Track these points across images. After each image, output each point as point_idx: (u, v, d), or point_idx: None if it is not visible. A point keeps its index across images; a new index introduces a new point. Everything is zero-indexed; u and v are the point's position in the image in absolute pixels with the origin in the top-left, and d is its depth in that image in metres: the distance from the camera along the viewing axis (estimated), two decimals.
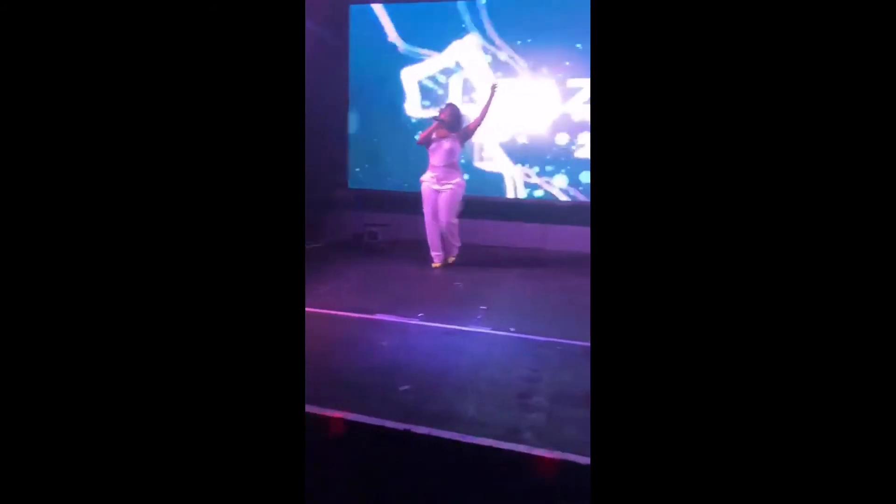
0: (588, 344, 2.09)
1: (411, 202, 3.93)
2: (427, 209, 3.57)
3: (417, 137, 3.71)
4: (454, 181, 3.53)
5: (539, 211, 4.81)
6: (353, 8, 5.11)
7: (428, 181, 3.56)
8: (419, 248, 4.14)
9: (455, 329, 2.35)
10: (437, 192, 3.53)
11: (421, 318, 2.47)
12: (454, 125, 3.51)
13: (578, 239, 4.46)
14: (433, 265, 3.65)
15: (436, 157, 3.51)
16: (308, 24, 4.64)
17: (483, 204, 4.72)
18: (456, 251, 3.73)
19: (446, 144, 3.48)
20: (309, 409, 1.51)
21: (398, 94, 5.05)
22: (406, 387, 1.71)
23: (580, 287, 3.24)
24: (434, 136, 3.51)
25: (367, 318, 2.47)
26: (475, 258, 4.00)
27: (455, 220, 3.60)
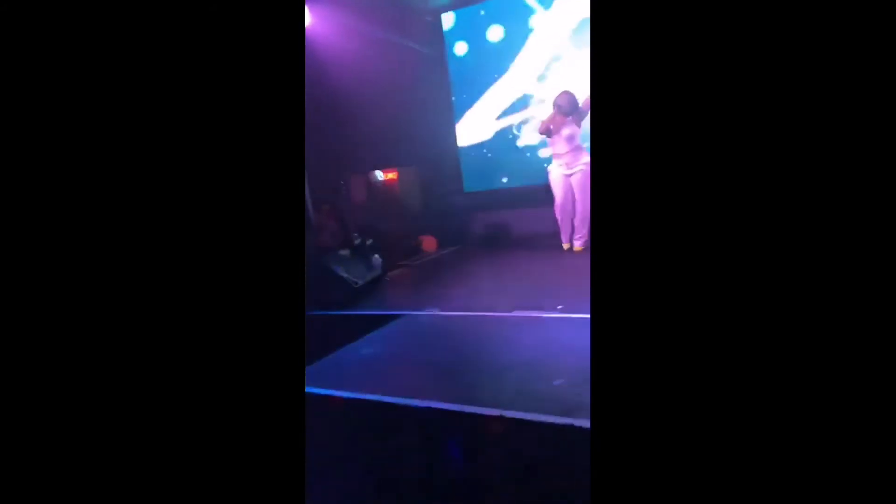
0: None
1: (526, 196, 3.89)
2: (557, 193, 3.65)
3: (538, 127, 3.71)
4: (582, 161, 3.51)
5: None
6: (444, 16, 5.20)
7: (556, 167, 3.61)
8: (543, 239, 4.05)
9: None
10: (568, 175, 3.55)
11: (561, 311, 2.39)
12: (570, 110, 3.50)
13: None
14: (565, 248, 3.69)
15: (558, 145, 3.55)
16: (398, 38, 4.83)
17: None
18: (584, 239, 3.63)
19: (565, 131, 3.49)
20: (470, 409, 1.54)
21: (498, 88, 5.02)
22: (559, 381, 1.65)
23: None
24: (552, 125, 3.53)
25: (506, 316, 2.46)
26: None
27: (588, 203, 3.48)
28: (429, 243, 4.83)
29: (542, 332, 2.18)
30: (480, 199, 5.32)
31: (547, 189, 3.77)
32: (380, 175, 5.18)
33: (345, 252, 3.47)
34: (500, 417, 1.48)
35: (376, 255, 3.54)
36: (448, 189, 5.43)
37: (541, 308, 2.45)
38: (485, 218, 5.01)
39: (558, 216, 3.68)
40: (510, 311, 2.50)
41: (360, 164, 5.06)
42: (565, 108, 3.48)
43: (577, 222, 3.64)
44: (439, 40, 5.26)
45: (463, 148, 5.40)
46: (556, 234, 3.82)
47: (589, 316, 2.35)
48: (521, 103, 4.99)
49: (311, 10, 3.71)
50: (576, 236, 3.68)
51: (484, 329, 2.37)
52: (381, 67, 4.65)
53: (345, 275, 3.17)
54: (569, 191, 3.58)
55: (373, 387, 1.81)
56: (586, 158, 3.50)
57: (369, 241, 3.63)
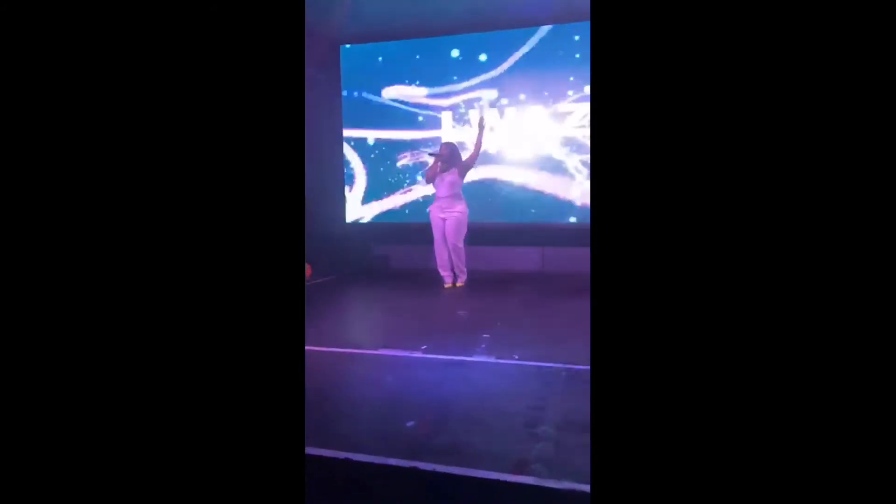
0: None
1: (408, 232, 4.02)
2: (436, 234, 4.01)
3: (423, 176, 4.13)
4: (457, 209, 3.95)
5: (539, 234, 4.83)
6: (343, 48, 5.26)
7: (435, 210, 4.01)
8: (419, 277, 4.14)
9: (459, 360, 2.33)
10: (444, 219, 3.96)
11: (424, 351, 2.45)
12: (452, 160, 3.92)
13: (577, 260, 4.47)
14: (445, 285, 4.03)
15: (440, 190, 3.96)
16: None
17: (486, 230, 4.75)
18: (463, 276, 4.06)
19: (448, 178, 3.92)
20: (312, 451, 1.49)
21: (389, 125, 5.15)
22: (411, 423, 1.68)
23: (584, 309, 3.22)
24: (438, 171, 3.92)
25: (370, 354, 2.46)
26: (480, 283, 4.01)
27: (461, 245, 3.98)
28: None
29: (402, 372, 2.20)
30: (360, 230, 5.31)
31: (427, 227, 4.06)
32: None
33: None
34: (346, 461, 1.46)
35: None
36: (329, 216, 5.35)
37: (405, 347, 2.48)
38: (362, 249, 5.00)
39: (437, 254, 4.04)
40: (376, 349, 2.50)
41: None
42: (446, 157, 3.91)
43: (458, 263, 4.02)
44: (336, 69, 5.29)
45: (348, 176, 5.39)
46: (430, 271, 3.97)
47: (450, 357, 2.43)
48: (406, 144, 5.16)
49: None
50: (460, 276, 4.06)
51: (346, 366, 2.34)
52: None
53: None
54: (442, 235, 3.97)
55: None
56: (462, 207, 3.95)
57: None
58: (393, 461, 1.42)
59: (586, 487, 1.26)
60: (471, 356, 2.36)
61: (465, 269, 4.02)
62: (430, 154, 4.06)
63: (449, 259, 3.99)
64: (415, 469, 1.39)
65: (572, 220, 4.72)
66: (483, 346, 2.51)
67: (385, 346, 2.51)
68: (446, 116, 5.04)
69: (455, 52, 4.92)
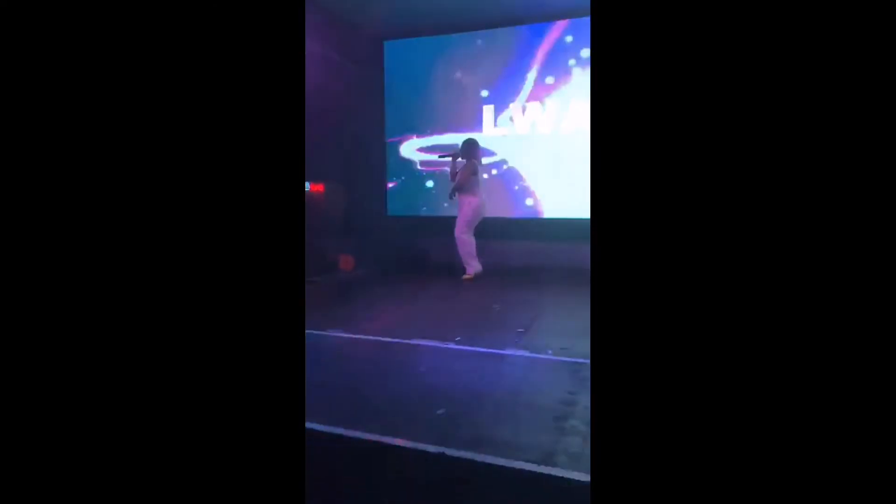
0: None
1: (445, 226, 4.09)
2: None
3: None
4: (464, 199, 4.16)
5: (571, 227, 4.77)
6: (387, 44, 5.34)
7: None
8: (454, 271, 4.18)
9: (491, 352, 2.36)
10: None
11: (458, 343, 2.49)
12: (466, 154, 4.15)
13: None
14: (464, 277, 4.17)
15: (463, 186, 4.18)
16: (344, 59, 4.89)
17: (512, 224, 4.74)
18: (470, 269, 4.15)
19: (457, 171, 4.22)
20: (344, 431, 1.56)
21: (430, 121, 5.19)
22: (442, 410, 1.73)
23: None
24: (456, 168, 4.19)
25: (404, 343, 2.52)
26: (512, 278, 4.02)
27: (464, 237, 4.14)
28: (345, 262, 4.80)
29: (435, 362, 2.25)
30: (402, 224, 5.40)
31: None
32: (306, 185, 5.10)
33: None
34: (378, 444, 1.52)
35: None
36: (372, 210, 5.47)
37: (439, 338, 2.53)
38: (403, 242, 5.09)
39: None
40: (410, 339, 2.56)
41: None
42: (460, 152, 4.20)
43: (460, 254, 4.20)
44: (379, 67, 5.38)
45: (391, 171, 5.48)
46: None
47: (482, 350, 2.45)
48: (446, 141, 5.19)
49: None
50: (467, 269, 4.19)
51: (383, 354, 2.41)
52: (321, 84, 4.66)
53: None
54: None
55: None
56: (468, 197, 4.13)
57: None
58: (422, 446, 1.47)
59: None
60: (504, 349, 2.38)
61: (468, 262, 4.15)
62: (441, 156, 4.44)
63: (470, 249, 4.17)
64: (443, 454, 1.44)
65: None
66: (517, 339, 2.53)
67: (420, 337, 2.57)
68: (487, 111, 5.04)
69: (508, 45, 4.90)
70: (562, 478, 1.31)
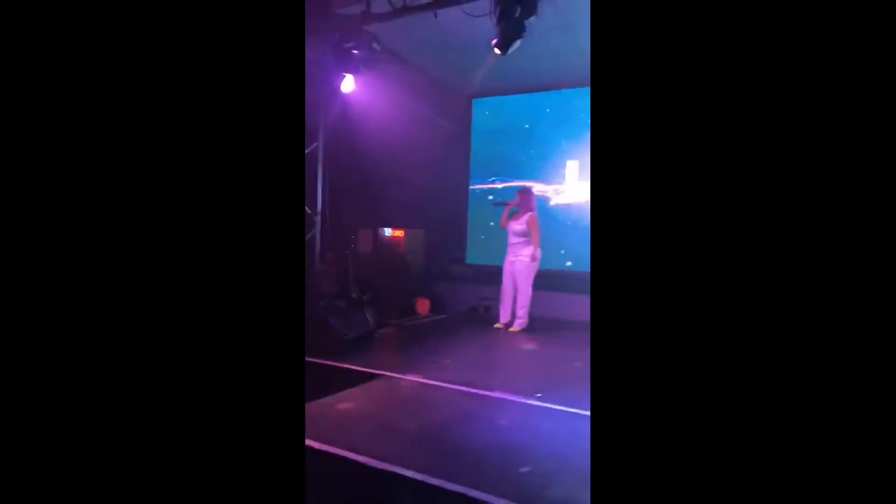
0: None
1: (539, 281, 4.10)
2: (505, 278, 4.16)
3: (501, 222, 4.27)
4: (525, 253, 4.06)
5: None
6: (476, 102, 5.61)
7: (508, 255, 4.19)
8: (535, 323, 4.13)
9: (576, 413, 2.28)
10: (512, 263, 4.12)
11: (539, 399, 2.44)
12: (524, 205, 4.07)
13: None
14: (495, 325, 4.18)
15: (513, 237, 4.13)
16: (435, 115, 5.20)
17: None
18: (521, 321, 4.09)
19: (515, 227, 4.10)
20: (430, 480, 1.57)
21: (515, 175, 5.31)
22: (526, 469, 1.69)
23: None
24: (508, 219, 4.10)
25: (485, 395, 2.51)
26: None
27: (527, 290, 4.05)
28: (423, 306, 4.91)
29: (516, 417, 2.22)
30: (480, 273, 5.45)
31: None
32: (387, 231, 5.36)
33: (341, 303, 3.56)
34: (464, 496, 1.51)
35: (370, 311, 3.62)
36: (451, 257, 5.59)
37: (519, 392, 2.49)
38: (481, 292, 5.12)
39: (502, 295, 4.19)
40: (489, 391, 2.54)
41: (372, 220, 5.25)
42: (517, 203, 4.10)
43: (517, 307, 4.10)
44: (467, 122, 5.64)
45: (471, 221, 5.61)
46: (548, 321, 4.05)
47: (564, 409, 2.38)
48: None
49: (357, 79, 4.03)
50: (517, 320, 4.11)
51: (461, 404, 2.41)
52: (412, 137, 4.98)
53: (336, 325, 3.24)
54: (510, 278, 4.10)
55: (343, 442, 1.84)
56: (530, 252, 4.04)
57: (367, 296, 3.72)
58: (507, 503, 1.44)
59: None
60: (584, 409, 2.30)
61: (525, 315, 4.08)
62: (496, 204, 4.30)
63: (511, 303, 4.10)
64: None
65: None
66: None
67: (499, 389, 2.55)
68: (572, 166, 5.08)
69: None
70: None
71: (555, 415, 2.26)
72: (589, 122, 4.94)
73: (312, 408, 2.23)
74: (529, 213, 4.06)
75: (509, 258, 4.13)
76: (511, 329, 4.09)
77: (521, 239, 4.07)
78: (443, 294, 5.17)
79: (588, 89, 4.95)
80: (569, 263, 5.03)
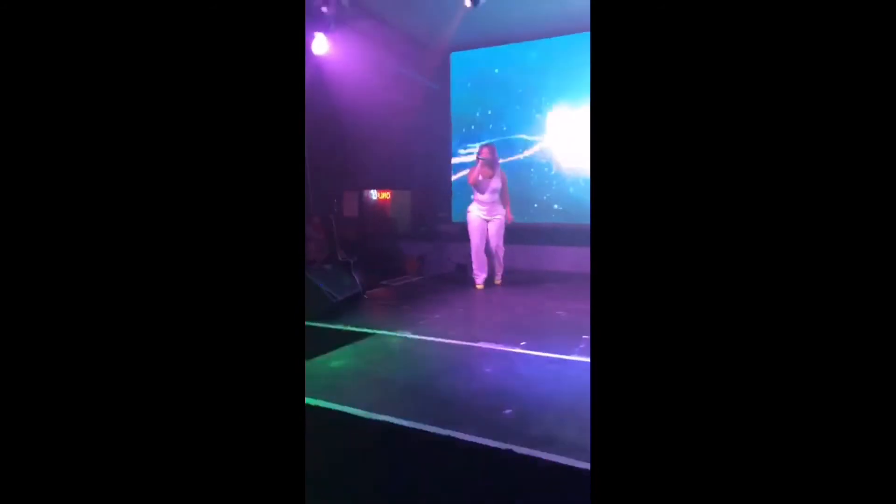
0: None
1: (513, 234, 4.13)
2: (476, 237, 4.07)
3: (469, 179, 4.11)
4: (500, 212, 4.07)
5: None
6: (454, 55, 5.49)
7: (476, 212, 4.08)
8: (520, 276, 4.22)
9: (558, 358, 2.39)
10: (487, 221, 4.07)
11: (523, 347, 2.54)
12: (494, 163, 3.98)
13: None
14: (477, 286, 4.13)
15: (484, 194, 4.02)
16: (412, 73, 5.09)
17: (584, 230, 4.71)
18: (501, 272, 4.24)
19: (492, 183, 3.99)
20: (414, 425, 1.67)
21: (496, 129, 5.27)
22: (509, 411, 1.80)
23: None
24: (481, 176, 3.96)
25: (472, 346, 2.61)
26: (578, 285, 4.00)
27: (503, 246, 4.13)
28: (411, 266, 4.98)
29: (501, 365, 2.32)
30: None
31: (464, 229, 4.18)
32: (374, 194, 5.36)
33: (328, 266, 3.61)
34: (449, 438, 1.61)
35: (358, 273, 3.68)
36: (437, 217, 5.62)
37: (504, 342, 2.60)
38: (468, 249, 5.19)
39: (474, 256, 4.11)
40: (476, 342, 2.64)
41: (355, 182, 5.24)
42: (490, 160, 3.93)
43: (498, 264, 4.19)
44: (446, 78, 5.54)
45: (455, 180, 5.61)
46: (532, 273, 4.14)
47: (546, 355, 2.49)
48: (519, 144, 5.24)
49: (330, 38, 3.93)
50: (497, 275, 4.24)
51: (449, 354, 2.51)
52: (390, 96, 4.90)
53: (325, 289, 3.30)
54: (485, 235, 4.07)
55: (336, 397, 1.94)
56: (503, 210, 4.07)
57: (354, 259, 3.77)
58: (491, 443, 1.55)
59: None
60: (566, 354, 2.41)
61: (503, 267, 4.19)
62: (477, 158, 4.02)
63: (487, 261, 4.09)
64: (510, 451, 1.51)
65: None
66: (581, 346, 2.54)
67: (485, 340, 2.65)
68: (552, 116, 5.05)
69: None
70: None
71: (537, 361, 2.37)
72: (570, 70, 4.88)
73: (306, 366, 2.31)
74: (501, 170, 4.04)
75: (482, 216, 4.04)
76: (497, 282, 4.19)
77: (496, 196, 4.02)
78: (431, 253, 5.24)
79: (567, 37, 4.87)
80: (557, 206, 5.08)
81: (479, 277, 4.13)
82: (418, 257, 5.07)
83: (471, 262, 4.16)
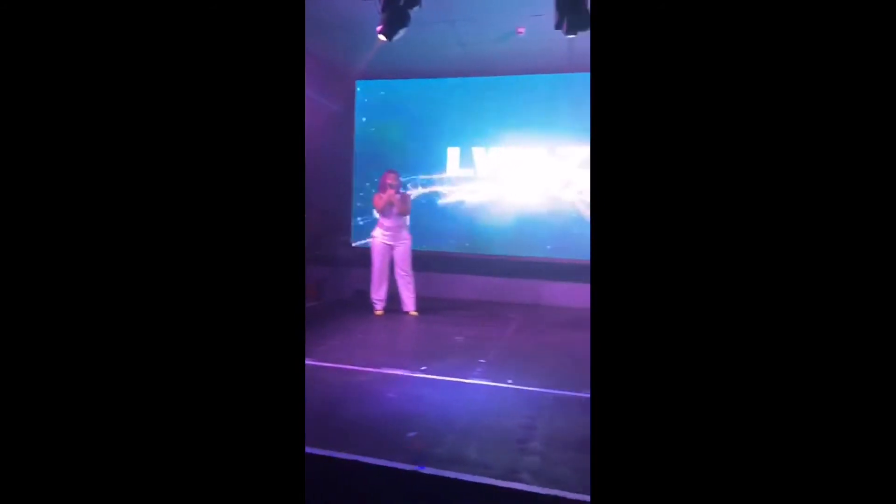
0: (582, 394, 2.26)
1: (415, 261, 4.24)
2: (379, 261, 4.09)
3: (374, 202, 4.11)
4: (406, 237, 4.11)
5: (534, 268, 5.06)
6: (359, 83, 5.59)
7: (380, 237, 4.09)
8: (421, 304, 4.33)
9: (458, 381, 2.51)
10: (392, 247, 4.09)
11: (424, 371, 2.63)
12: (398, 188, 4.06)
13: (574, 294, 4.70)
14: (376, 312, 4.10)
15: (389, 220, 4.07)
16: (317, 96, 5.08)
17: (485, 261, 4.99)
18: (413, 300, 4.14)
19: (399, 209, 4.04)
20: (322, 452, 1.67)
21: (399, 160, 5.42)
22: (413, 433, 1.86)
23: (575, 341, 3.41)
24: (391, 201, 4.02)
25: (374, 372, 2.63)
26: (477, 313, 4.21)
27: (412, 272, 4.11)
28: (309, 292, 4.84)
29: (404, 389, 2.38)
30: (366, 256, 5.51)
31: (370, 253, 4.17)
32: None
33: None
34: (355, 462, 1.63)
35: None
36: (337, 241, 5.56)
37: (405, 367, 2.67)
38: (368, 274, 5.20)
39: (375, 279, 4.11)
40: (378, 367, 2.68)
41: None
42: (396, 185, 4.02)
43: (408, 292, 4.12)
44: (350, 103, 5.60)
45: (356, 202, 5.63)
46: (430, 300, 4.23)
47: (446, 379, 2.60)
48: (422, 174, 5.43)
49: None
50: (409, 304, 4.14)
51: (352, 381, 2.51)
52: None
53: None
54: (388, 259, 4.08)
55: None
56: (408, 235, 4.12)
57: None
58: (398, 465, 1.60)
59: (569, 494, 1.44)
60: (466, 378, 2.55)
61: (414, 294, 4.11)
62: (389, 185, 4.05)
63: (386, 286, 4.09)
64: (417, 473, 1.57)
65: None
66: (479, 369, 2.69)
67: (387, 365, 2.69)
68: (453, 153, 5.33)
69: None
70: (526, 492, 1.48)
71: (439, 385, 2.47)
72: (467, 111, 5.22)
73: None
74: (406, 194, 4.12)
75: (386, 241, 4.06)
76: (412, 313, 4.12)
77: (401, 221, 4.08)
78: (329, 278, 5.15)
79: (466, 79, 5.22)
80: (466, 246, 5.31)
81: (379, 304, 4.12)
82: (316, 282, 4.96)
83: (370, 288, 4.15)
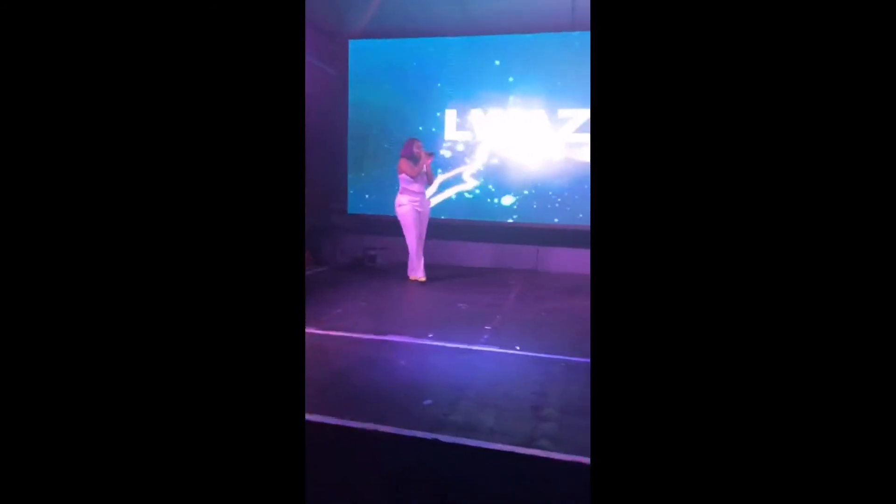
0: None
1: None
2: (416, 228, 4.04)
3: (404, 169, 4.02)
4: (428, 202, 4.18)
5: (536, 234, 5.04)
6: (352, 43, 5.37)
7: (410, 205, 4.02)
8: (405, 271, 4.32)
9: (466, 348, 2.52)
10: (420, 212, 4.07)
11: (432, 339, 2.63)
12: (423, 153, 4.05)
13: (573, 260, 4.72)
14: (421, 280, 4.12)
15: (418, 185, 4.05)
16: (309, 58, 4.88)
17: (489, 227, 4.96)
18: (422, 267, 4.19)
19: (425, 175, 4.09)
20: (337, 422, 1.67)
21: (395, 124, 5.29)
22: (429, 401, 1.87)
23: (575, 308, 3.43)
24: (424, 168, 4.01)
25: (382, 339, 2.63)
26: (476, 280, 4.21)
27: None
28: (306, 259, 4.80)
29: (414, 357, 2.39)
30: (363, 223, 5.45)
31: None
32: None
33: None
34: (375, 432, 1.63)
35: None
36: (332, 208, 5.48)
37: (413, 334, 2.66)
38: (364, 242, 5.15)
39: (416, 250, 4.10)
40: (385, 335, 2.67)
41: None
42: (424, 154, 4.02)
43: (419, 255, 4.13)
44: (344, 65, 5.40)
45: (351, 170, 5.52)
46: (428, 268, 4.17)
47: (454, 345, 2.60)
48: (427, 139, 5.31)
49: None
50: (421, 272, 4.17)
51: (360, 350, 2.51)
52: None
53: None
54: (420, 226, 4.06)
55: None
56: (427, 199, 4.16)
57: None
58: (418, 433, 1.61)
59: (586, 459, 1.46)
60: (473, 344, 2.55)
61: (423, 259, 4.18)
62: (429, 153, 4.10)
63: (422, 251, 4.12)
64: (437, 441, 1.58)
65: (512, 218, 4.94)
66: (485, 336, 2.70)
67: (394, 333, 2.69)
68: (450, 114, 5.20)
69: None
70: (544, 458, 1.50)
71: (448, 352, 2.47)
72: (465, 71, 5.06)
73: None
74: (427, 161, 4.07)
75: (415, 206, 4.00)
76: (421, 279, 4.10)
77: (424, 188, 4.10)
78: (326, 246, 5.09)
79: (463, 38, 5.04)
80: (470, 194, 5.24)
81: (420, 269, 4.12)
82: (313, 250, 4.91)
83: (409, 259, 4.10)
